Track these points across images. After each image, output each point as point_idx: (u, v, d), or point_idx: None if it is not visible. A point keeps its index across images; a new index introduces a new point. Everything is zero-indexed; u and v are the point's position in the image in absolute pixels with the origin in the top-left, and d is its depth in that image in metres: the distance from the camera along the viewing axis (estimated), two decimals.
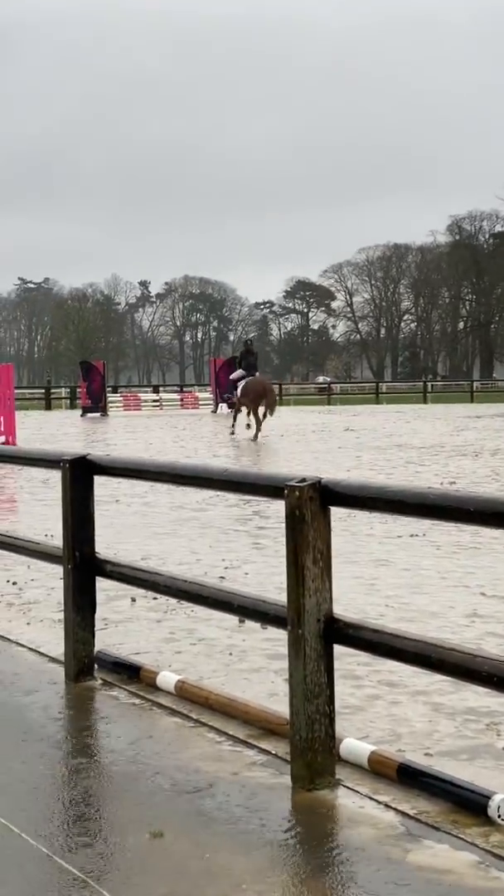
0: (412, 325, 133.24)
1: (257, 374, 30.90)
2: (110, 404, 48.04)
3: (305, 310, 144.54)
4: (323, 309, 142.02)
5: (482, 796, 4.27)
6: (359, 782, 4.63)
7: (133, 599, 8.27)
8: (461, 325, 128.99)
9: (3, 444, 25.57)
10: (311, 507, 4.56)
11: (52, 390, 64.13)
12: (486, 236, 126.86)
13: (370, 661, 6.29)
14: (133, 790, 4.64)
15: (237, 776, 4.76)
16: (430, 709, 5.67)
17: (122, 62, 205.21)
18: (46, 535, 9.89)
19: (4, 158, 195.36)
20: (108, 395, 49.25)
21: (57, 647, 6.73)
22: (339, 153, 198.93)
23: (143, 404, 50.94)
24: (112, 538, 10.87)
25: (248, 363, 31.26)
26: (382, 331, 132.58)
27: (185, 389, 62.90)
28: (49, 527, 11.02)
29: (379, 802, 4.43)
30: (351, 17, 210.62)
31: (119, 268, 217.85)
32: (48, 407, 58.17)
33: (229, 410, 46.94)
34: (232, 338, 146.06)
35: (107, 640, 6.94)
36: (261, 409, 27.75)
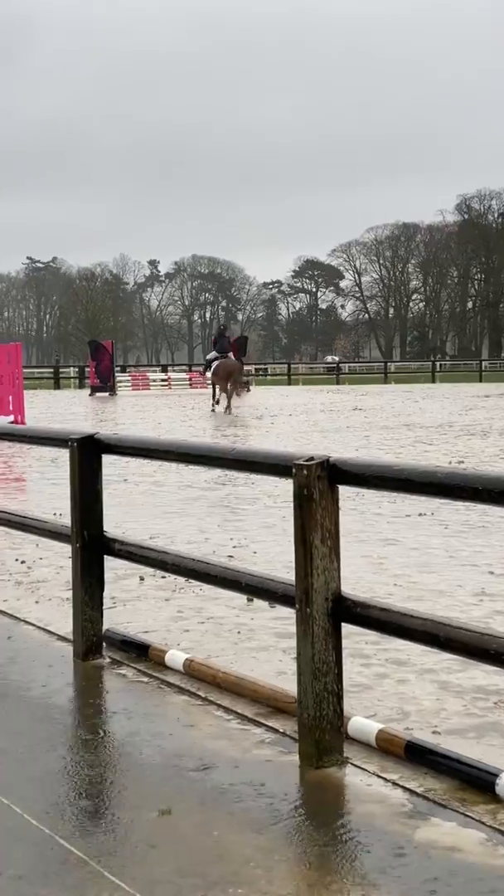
0: (421, 305, 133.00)
1: (230, 355, 34.42)
2: (119, 384, 48.08)
3: (314, 289, 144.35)
4: (331, 288, 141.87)
5: (490, 774, 4.27)
6: (367, 760, 4.64)
7: (141, 578, 8.28)
8: (470, 304, 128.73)
9: (11, 423, 25.59)
10: (319, 486, 4.55)
11: (61, 370, 64.20)
12: (496, 215, 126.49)
13: (378, 640, 6.30)
14: (141, 768, 4.64)
15: (245, 754, 4.77)
16: (438, 687, 5.67)
17: (138, 42, 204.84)
18: (55, 514, 9.90)
19: (19, 139, 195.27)
20: (117, 374, 49.27)
21: (65, 625, 6.74)
22: (349, 133, 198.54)
23: (151, 384, 50.97)
24: (121, 517, 10.88)
25: (221, 346, 34.54)
26: (391, 310, 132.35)
27: (193, 369, 62.80)
28: (58, 506, 11.04)
29: (387, 780, 4.44)
30: None
31: (128, 247, 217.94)
32: (57, 386, 58.23)
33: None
34: (241, 317, 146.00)
35: (115, 619, 6.95)
36: (229, 386, 32.11)
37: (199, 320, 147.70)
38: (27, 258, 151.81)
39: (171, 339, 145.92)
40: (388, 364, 78.86)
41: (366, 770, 4.55)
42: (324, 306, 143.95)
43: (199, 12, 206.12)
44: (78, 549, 6.29)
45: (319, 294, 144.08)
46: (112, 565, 6.88)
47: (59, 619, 7.11)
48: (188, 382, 50.93)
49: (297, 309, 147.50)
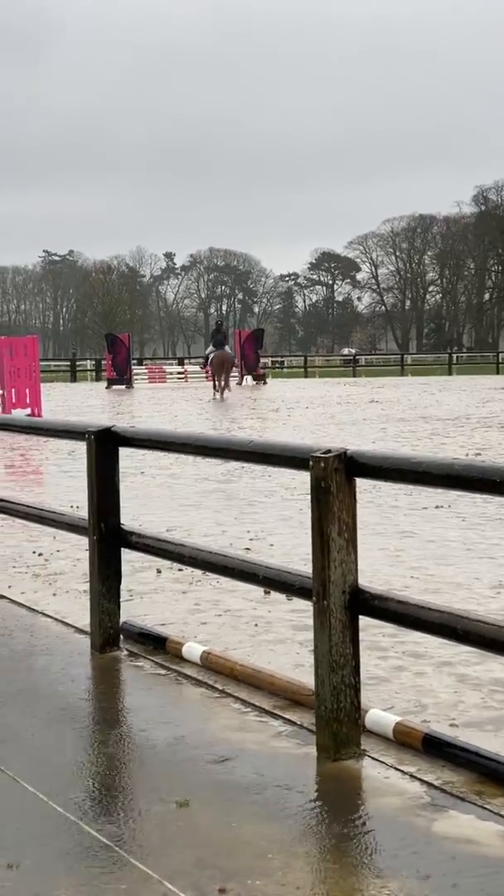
0: (437, 297, 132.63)
1: (227, 348, 39.14)
2: (135, 376, 48.10)
3: (330, 282, 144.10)
4: (348, 281, 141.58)
5: None
6: (384, 753, 4.64)
7: (158, 571, 8.29)
8: (487, 296, 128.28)
9: (28, 415, 25.64)
10: (336, 478, 4.55)
11: (78, 363, 64.31)
12: None
13: (396, 633, 6.29)
14: (159, 760, 4.65)
15: (263, 746, 4.77)
16: (456, 680, 5.66)
17: (162, 36, 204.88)
18: (72, 507, 9.92)
19: (39, 134, 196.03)
20: (134, 367, 49.30)
21: (83, 617, 6.75)
22: (366, 126, 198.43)
23: (167, 376, 50.97)
24: (137, 510, 10.90)
25: (217, 340, 38.82)
26: (408, 302, 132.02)
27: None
28: (75, 498, 11.06)
29: (404, 773, 4.44)
30: None
31: (144, 240, 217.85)
32: (73, 379, 58.30)
33: (254, 383, 47.11)
34: (257, 310, 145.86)
35: (132, 611, 6.97)
36: (223, 375, 37.01)
37: (216, 313, 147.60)
38: (44, 251, 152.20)
39: (187, 332, 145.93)
40: (405, 356, 78.59)
41: (383, 762, 4.55)
42: (340, 298, 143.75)
43: (223, 7, 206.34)
44: (95, 542, 6.30)
45: (336, 286, 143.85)
46: (129, 558, 6.89)
47: (76, 612, 7.12)
48: (205, 375, 50.88)
49: (313, 301, 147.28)
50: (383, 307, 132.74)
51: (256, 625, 6.82)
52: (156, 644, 6.26)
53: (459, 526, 10.27)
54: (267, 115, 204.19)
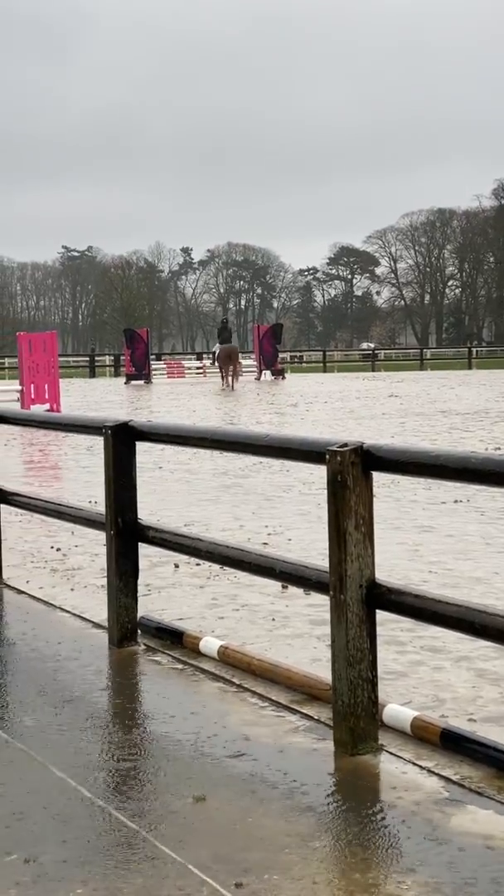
0: (457, 291, 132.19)
1: (232, 344, 43.03)
2: (154, 372, 48.10)
3: (349, 276, 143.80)
4: (367, 275, 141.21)
5: None
6: (402, 748, 4.62)
7: (176, 566, 8.29)
8: None
9: (47, 411, 25.69)
10: (353, 472, 4.53)
11: (96, 358, 64.38)
12: None
13: (413, 627, 6.27)
14: (176, 754, 4.65)
15: (280, 741, 4.76)
16: (474, 675, 5.64)
17: (190, 31, 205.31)
18: (90, 502, 9.93)
19: (62, 129, 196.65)
20: (152, 362, 49.30)
21: (100, 612, 6.76)
22: (384, 121, 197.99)
23: (186, 372, 50.97)
24: (155, 505, 10.90)
25: (224, 337, 42.12)
26: (427, 297, 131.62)
27: (239, 360, 62.68)
28: (93, 493, 11.07)
29: (422, 768, 4.42)
30: None
31: (163, 235, 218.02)
32: (92, 374, 58.40)
33: (273, 377, 47.13)
34: (276, 305, 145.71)
35: (150, 606, 6.97)
36: (230, 368, 40.14)
37: (234, 308, 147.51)
38: (63, 247, 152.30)
39: (206, 327, 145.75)
40: (424, 351, 78.50)
41: (401, 757, 4.53)
42: (359, 293, 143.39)
43: (252, 1, 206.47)
44: (112, 537, 6.30)
45: (355, 281, 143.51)
46: (146, 553, 6.89)
47: (94, 607, 7.13)
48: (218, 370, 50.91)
49: (332, 296, 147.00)
50: (402, 301, 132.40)
51: (274, 619, 6.81)
52: (173, 639, 6.26)
53: (478, 520, 10.23)
54: (289, 109, 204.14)
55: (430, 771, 4.39)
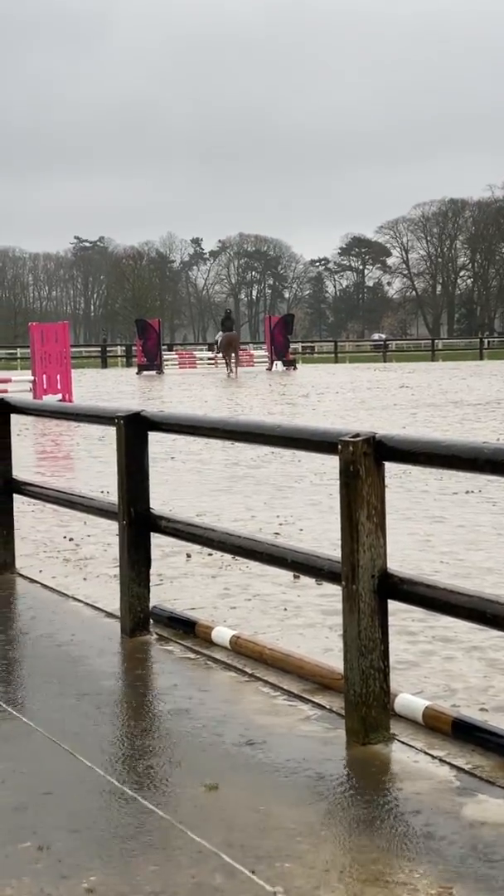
0: (469, 282, 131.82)
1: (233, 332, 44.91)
2: (166, 362, 48.14)
3: (361, 267, 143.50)
4: (378, 266, 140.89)
5: None
6: (413, 737, 4.63)
7: (188, 555, 8.31)
8: None
9: (59, 401, 25.73)
10: (365, 462, 4.54)
11: (108, 348, 64.43)
12: None
13: (425, 617, 6.28)
14: (188, 743, 4.67)
15: (292, 730, 4.78)
16: (486, 664, 5.65)
17: (212, 25, 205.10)
18: (102, 492, 9.95)
19: (74, 121, 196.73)
20: (164, 353, 49.34)
21: (113, 602, 6.78)
22: (397, 111, 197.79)
23: (198, 362, 50.98)
24: (168, 495, 10.92)
25: (227, 327, 44.62)
26: (438, 287, 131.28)
27: (240, 347, 62.73)
28: (105, 483, 11.10)
29: (433, 757, 4.43)
30: None
31: (175, 226, 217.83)
32: (104, 365, 58.45)
33: (284, 368, 47.14)
34: (287, 295, 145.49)
35: (162, 596, 6.99)
36: (232, 354, 42.65)
37: (246, 298, 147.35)
38: (74, 237, 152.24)
39: (217, 318, 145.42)
40: (436, 341, 78.36)
41: (412, 747, 4.54)
42: (371, 284, 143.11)
43: None
44: (124, 526, 6.32)
45: (366, 271, 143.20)
46: (159, 542, 6.90)
47: (106, 596, 7.15)
48: (224, 360, 50.87)
49: (343, 286, 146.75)
50: (414, 292, 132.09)
51: (286, 609, 6.83)
52: (185, 628, 6.28)
53: (490, 511, 10.23)
54: (303, 100, 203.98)
55: (441, 760, 4.40)
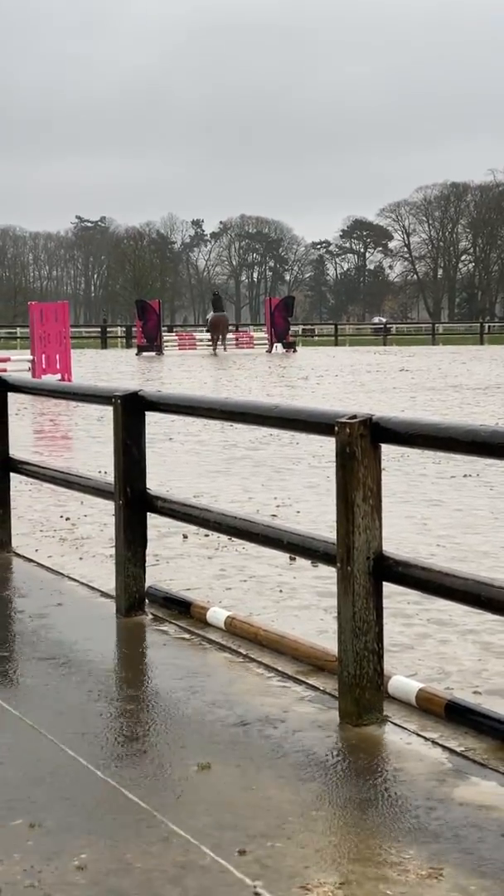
0: (470, 266, 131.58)
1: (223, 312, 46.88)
2: (165, 343, 48.05)
3: (362, 250, 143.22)
4: (380, 249, 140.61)
5: None
6: (406, 719, 4.64)
7: (185, 536, 8.31)
8: None
9: (59, 381, 25.71)
10: (361, 444, 4.53)
11: (108, 329, 64.29)
12: None
13: (420, 600, 6.28)
14: (181, 723, 4.67)
15: (286, 711, 4.78)
16: (480, 647, 5.65)
17: (220, 4, 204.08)
18: (100, 472, 9.95)
19: (76, 102, 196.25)
20: (164, 334, 49.25)
21: (108, 582, 6.78)
22: (399, 94, 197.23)
23: (198, 344, 50.90)
24: (165, 476, 10.92)
25: (217, 307, 46.18)
26: (440, 271, 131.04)
27: (240, 329, 62.67)
28: (103, 463, 11.09)
29: (426, 739, 4.44)
30: None
31: (177, 207, 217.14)
32: (104, 345, 58.34)
33: (284, 350, 47.09)
34: (288, 278, 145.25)
35: (158, 576, 6.99)
36: (219, 335, 45.38)
37: (247, 280, 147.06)
38: (76, 217, 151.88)
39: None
40: (436, 325, 78.21)
41: (405, 729, 4.55)
42: (372, 267, 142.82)
43: None
44: (121, 506, 6.31)
45: (367, 254, 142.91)
46: (156, 523, 6.90)
47: (102, 576, 7.15)
48: (234, 342, 50.77)
49: (344, 269, 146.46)
50: (415, 276, 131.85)
51: (281, 591, 6.83)
52: (180, 609, 6.28)
53: (487, 495, 10.23)
54: (307, 82, 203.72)
55: (434, 742, 4.41)
